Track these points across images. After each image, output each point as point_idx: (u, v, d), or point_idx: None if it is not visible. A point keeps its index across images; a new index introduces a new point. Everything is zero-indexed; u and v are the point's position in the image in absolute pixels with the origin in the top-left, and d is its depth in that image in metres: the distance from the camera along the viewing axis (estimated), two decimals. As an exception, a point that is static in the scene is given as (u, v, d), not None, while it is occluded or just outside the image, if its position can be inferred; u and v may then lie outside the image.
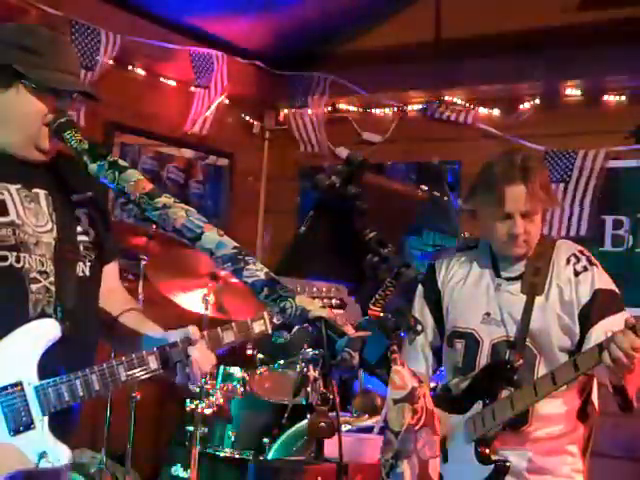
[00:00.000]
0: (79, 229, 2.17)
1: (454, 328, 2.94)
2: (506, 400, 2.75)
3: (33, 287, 2.04)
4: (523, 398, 2.73)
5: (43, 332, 2.02)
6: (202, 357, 2.07)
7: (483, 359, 2.87)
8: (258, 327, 2.14)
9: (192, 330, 2.07)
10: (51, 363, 2.00)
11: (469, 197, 2.94)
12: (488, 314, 2.89)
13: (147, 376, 2.08)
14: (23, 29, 2.18)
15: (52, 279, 2.07)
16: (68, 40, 2.24)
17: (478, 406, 2.82)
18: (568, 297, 2.83)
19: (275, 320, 2.09)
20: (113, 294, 2.30)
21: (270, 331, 2.13)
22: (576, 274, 2.86)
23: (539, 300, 2.84)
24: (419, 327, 2.68)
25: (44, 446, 1.97)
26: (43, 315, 2.04)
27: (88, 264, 2.16)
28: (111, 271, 2.31)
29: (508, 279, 2.90)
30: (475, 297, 2.93)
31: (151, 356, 2.06)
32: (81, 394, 2.00)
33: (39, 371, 1.99)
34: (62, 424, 2.02)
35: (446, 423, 2.84)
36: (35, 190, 2.13)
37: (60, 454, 2.00)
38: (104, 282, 2.26)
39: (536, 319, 2.82)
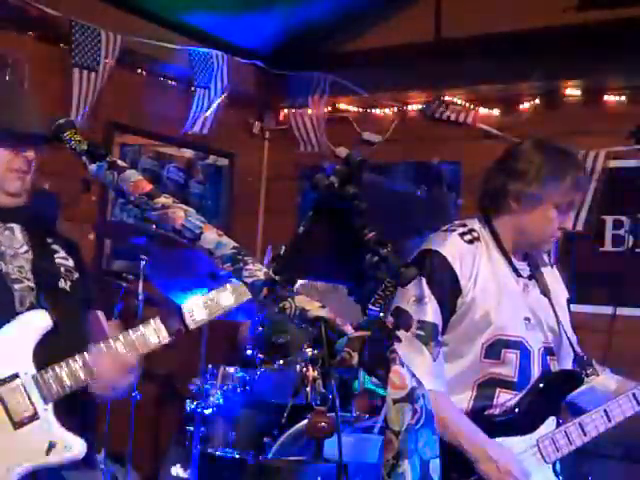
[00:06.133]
0: (57, 256, 2.19)
1: (499, 336, 2.58)
2: (576, 427, 2.61)
3: (16, 286, 2.04)
4: (595, 425, 2.62)
5: (34, 323, 2.01)
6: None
7: (535, 371, 2.63)
8: (225, 300, 2.08)
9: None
10: (46, 353, 1.99)
11: (537, 180, 2.59)
12: (528, 319, 2.63)
13: (148, 350, 2.04)
14: None
15: (33, 283, 2.07)
16: (26, 90, 2.28)
17: (552, 423, 2.61)
18: (566, 296, 2.81)
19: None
20: None
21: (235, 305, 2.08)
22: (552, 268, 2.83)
23: (554, 302, 2.71)
24: (441, 338, 2.60)
25: (52, 436, 1.93)
26: (32, 308, 2.03)
27: (69, 282, 2.16)
28: (97, 320, 2.29)
29: (528, 278, 2.70)
30: (512, 300, 2.64)
31: (147, 327, 2.03)
32: (83, 377, 1.97)
33: (35, 361, 1.97)
34: (73, 416, 1.99)
35: (502, 451, 2.52)
36: (9, 225, 2.17)
37: (71, 443, 1.94)
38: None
39: (565, 323, 2.71)
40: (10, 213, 2.18)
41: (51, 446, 1.91)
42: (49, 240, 2.23)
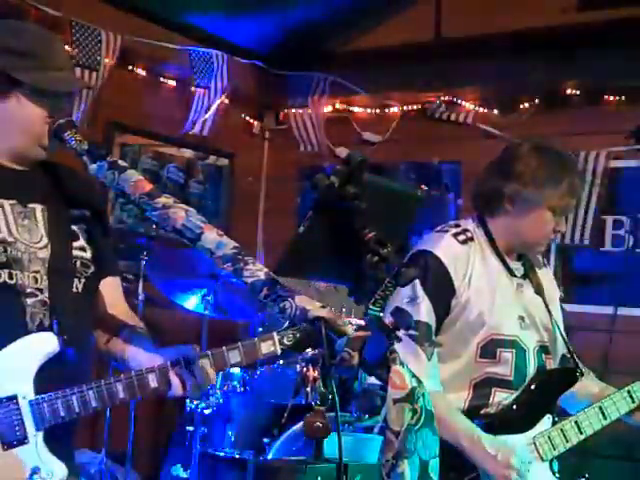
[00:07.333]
0: (76, 244, 2.15)
1: (493, 336, 2.58)
2: (572, 424, 2.62)
3: (29, 301, 2.01)
4: (590, 423, 2.64)
5: (41, 346, 1.98)
6: (203, 376, 2.00)
7: (531, 369, 2.63)
8: (266, 348, 2.06)
9: (194, 348, 2.02)
10: (48, 377, 1.98)
11: (534, 183, 2.57)
12: (522, 318, 2.63)
13: (146, 395, 2.02)
14: (8, 30, 2.14)
15: (47, 294, 2.05)
16: (53, 34, 2.22)
17: (548, 421, 2.61)
18: (559, 296, 2.82)
19: (286, 341, 2.04)
20: (113, 309, 2.27)
21: (279, 353, 2.06)
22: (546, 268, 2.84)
23: (548, 301, 2.72)
24: (435, 338, 2.59)
25: (37, 462, 1.93)
26: (42, 327, 2.02)
27: (83, 281, 2.13)
28: (112, 285, 2.26)
29: (522, 277, 2.69)
30: (505, 299, 2.62)
31: (151, 374, 1.98)
32: (77, 410, 1.94)
33: (35, 385, 1.96)
34: (59, 437, 1.99)
35: (498, 448, 2.50)
36: (31, 205, 2.10)
37: (54, 470, 1.95)
38: (105, 296, 2.24)
39: (560, 322, 2.73)
40: (32, 189, 2.11)
41: (34, 471, 1.93)
42: (73, 213, 2.16)
